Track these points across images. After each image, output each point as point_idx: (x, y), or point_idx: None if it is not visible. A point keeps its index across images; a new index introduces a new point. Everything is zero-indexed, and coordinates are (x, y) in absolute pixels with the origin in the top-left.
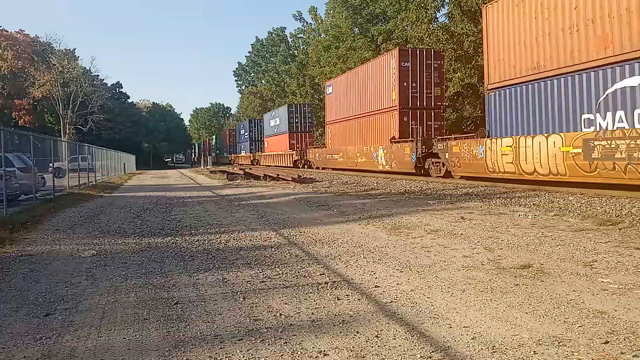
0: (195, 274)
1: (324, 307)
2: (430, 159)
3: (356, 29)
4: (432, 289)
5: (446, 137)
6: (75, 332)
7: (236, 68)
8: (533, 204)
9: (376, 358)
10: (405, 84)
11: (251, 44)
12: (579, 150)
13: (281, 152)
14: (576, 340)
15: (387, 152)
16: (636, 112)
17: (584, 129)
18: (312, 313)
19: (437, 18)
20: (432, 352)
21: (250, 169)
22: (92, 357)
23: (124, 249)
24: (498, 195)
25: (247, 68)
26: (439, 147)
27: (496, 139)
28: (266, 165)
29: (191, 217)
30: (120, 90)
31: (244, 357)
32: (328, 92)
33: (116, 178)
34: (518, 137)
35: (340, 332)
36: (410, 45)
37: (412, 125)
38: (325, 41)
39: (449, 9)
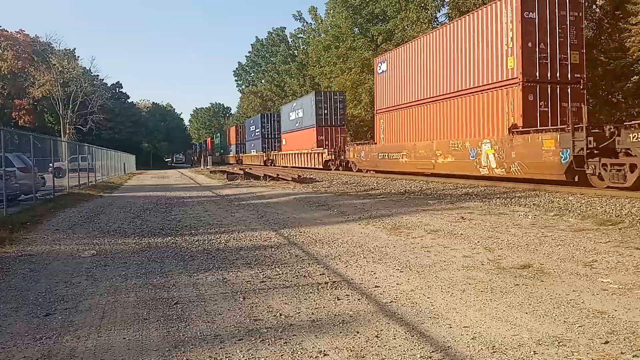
0: (195, 274)
1: (324, 307)
2: (599, 159)
3: (356, 28)
4: (432, 289)
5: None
6: (75, 332)
7: (236, 68)
8: (533, 204)
9: (376, 358)
10: (530, 44)
11: (251, 44)
12: None
13: (306, 151)
14: (576, 340)
15: (503, 148)
16: None
17: None
18: (312, 313)
19: (437, 18)
20: (432, 352)
21: (251, 169)
22: (92, 357)
23: (124, 249)
24: (498, 195)
25: (247, 68)
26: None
27: None
28: (283, 167)
29: (191, 217)
30: (120, 90)
31: (244, 357)
32: (379, 71)
33: (116, 178)
34: None
35: (340, 332)
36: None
37: (541, 106)
38: (325, 41)
39: (448, 10)
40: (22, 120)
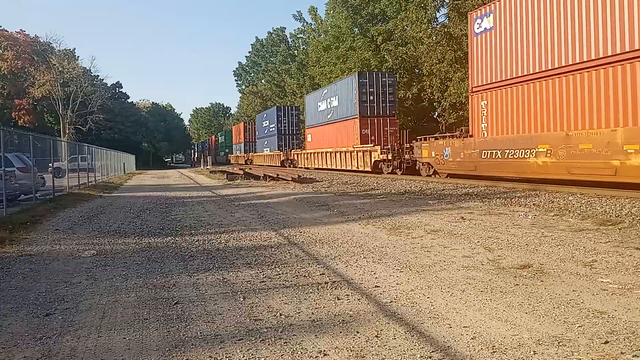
0: (195, 274)
1: (324, 307)
2: None
3: (356, 29)
4: (432, 289)
5: None
6: (75, 332)
7: (236, 68)
8: (533, 204)
9: (376, 358)
10: None
11: (251, 44)
12: None
13: (344, 149)
14: (576, 340)
15: None
16: None
17: None
18: (312, 313)
19: (436, 18)
20: (432, 352)
21: (250, 169)
22: (92, 357)
23: (124, 249)
24: (498, 195)
25: (247, 68)
26: None
27: None
28: (307, 169)
29: (191, 217)
30: (120, 90)
31: (244, 357)
32: (479, 30)
33: (116, 178)
34: None
35: (340, 332)
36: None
37: None
38: (325, 41)
39: (448, 10)
40: (22, 120)
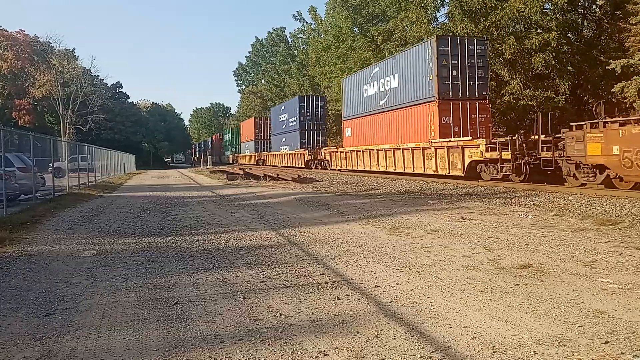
0: (195, 274)
1: (324, 307)
2: None
3: (356, 28)
4: (432, 288)
5: None
6: (75, 332)
7: (236, 68)
8: (533, 204)
9: (376, 358)
10: None
11: (251, 44)
12: None
13: (409, 145)
14: (576, 340)
15: None
16: None
17: None
18: (312, 313)
19: (436, 18)
20: (432, 352)
21: (251, 168)
22: (92, 357)
23: (124, 248)
24: (498, 195)
25: (247, 68)
26: None
27: None
28: (351, 171)
29: (191, 217)
30: (120, 90)
31: (244, 357)
32: None
33: (116, 178)
34: None
35: (340, 332)
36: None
37: None
38: (325, 41)
39: (449, 9)
40: (22, 120)
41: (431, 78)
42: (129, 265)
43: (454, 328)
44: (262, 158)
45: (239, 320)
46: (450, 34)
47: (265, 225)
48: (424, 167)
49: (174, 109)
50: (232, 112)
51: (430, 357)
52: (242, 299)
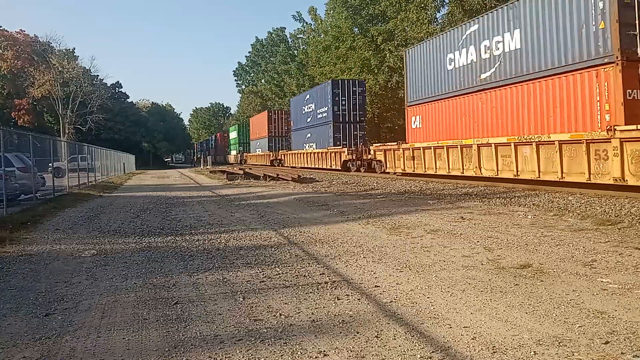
0: (195, 274)
1: (324, 307)
2: None
3: (356, 29)
4: (432, 288)
5: None
6: (75, 332)
7: (236, 68)
8: (533, 204)
9: (376, 358)
10: None
11: (251, 44)
12: None
13: (561, 138)
14: (576, 341)
15: None
16: None
17: None
18: (312, 313)
19: (437, 18)
20: (432, 352)
21: (250, 169)
22: (91, 357)
23: (124, 248)
24: (498, 195)
25: (247, 68)
26: None
27: None
28: (420, 175)
29: (191, 217)
30: (119, 90)
31: (243, 357)
32: None
33: (116, 178)
34: None
35: (340, 332)
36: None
37: None
38: (325, 41)
39: (449, 9)
40: (22, 120)
41: (602, 26)
42: (129, 265)
43: (454, 328)
44: (279, 158)
45: (239, 320)
46: None
47: (265, 225)
48: (590, 173)
49: (174, 109)
50: (232, 112)
51: (430, 357)
52: (242, 299)
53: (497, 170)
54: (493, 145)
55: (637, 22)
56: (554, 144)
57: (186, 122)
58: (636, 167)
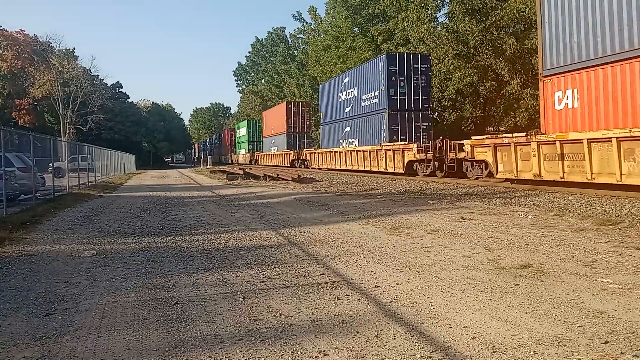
0: (195, 274)
1: (324, 307)
2: None
3: (356, 28)
4: (432, 289)
5: None
6: (75, 332)
7: (236, 68)
8: (533, 204)
9: (376, 358)
10: None
11: (251, 44)
12: None
13: None
14: (576, 340)
15: None
16: None
17: None
18: (312, 313)
19: (437, 18)
20: (432, 352)
21: (251, 169)
22: (92, 357)
23: (124, 248)
24: (498, 195)
25: (247, 68)
26: None
27: None
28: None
29: (191, 217)
30: (120, 90)
31: (243, 357)
32: None
33: (116, 178)
34: None
35: (340, 332)
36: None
37: None
38: (325, 41)
39: (449, 8)
40: (22, 120)
41: None
42: (129, 265)
43: (453, 328)
44: (303, 157)
45: (239, 320)
46: None
47: (265, 225)
48: None
49: (174, 109)
50: (232, 112)
51: (430, 357)
52: (242, 299)
53: None
54: None
55: None
56: None
57: (186, 122)
58: None
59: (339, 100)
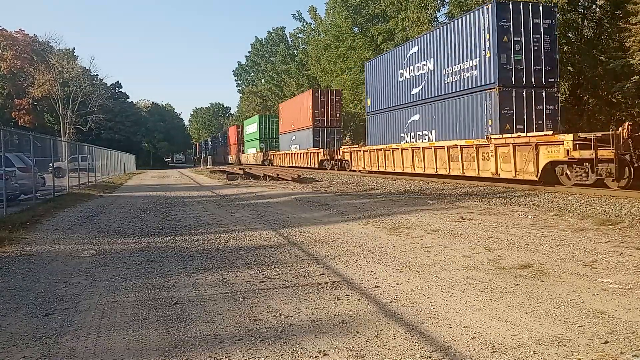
0: (195, 274)
1: (323, 307)
2: None
3: (356, 28)
4: (432, 289)
5: None
6: (74, 332)
7: (236, 68)
8: (533, 204)
9: (376, 358)
10: None
11: (251, 44)
12: None
13: None
14: (576, 340)
15: None
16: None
17: None
18: (312, 313)
19: (437, 18)
20: (432, 352)
21: (250, 169)
22: (91, 357)
23: (124, 248)
24: (498, 195)
25: (247, 68)
26: None
27: None
28: None
29: (191, 217)
30: (119, 90)
31: (243, 357)
32: None
33: (116, 178)
34: None
35: (340, 332)
36: None
37: None
38: (325, 41)
39: (449, 9)
40: (22, 120)
41: None
42: (129, 265)
43: (453, 328)
44: (339, 157)
45: (239, 321)
46: None
47: (265, 225)
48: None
49: (174, 109)
50: (232, 112)
51: (430, 357)
52: (241, 299)
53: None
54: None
55: None
56: None
57: (186, 122)
58: None
59: (400, 79)
